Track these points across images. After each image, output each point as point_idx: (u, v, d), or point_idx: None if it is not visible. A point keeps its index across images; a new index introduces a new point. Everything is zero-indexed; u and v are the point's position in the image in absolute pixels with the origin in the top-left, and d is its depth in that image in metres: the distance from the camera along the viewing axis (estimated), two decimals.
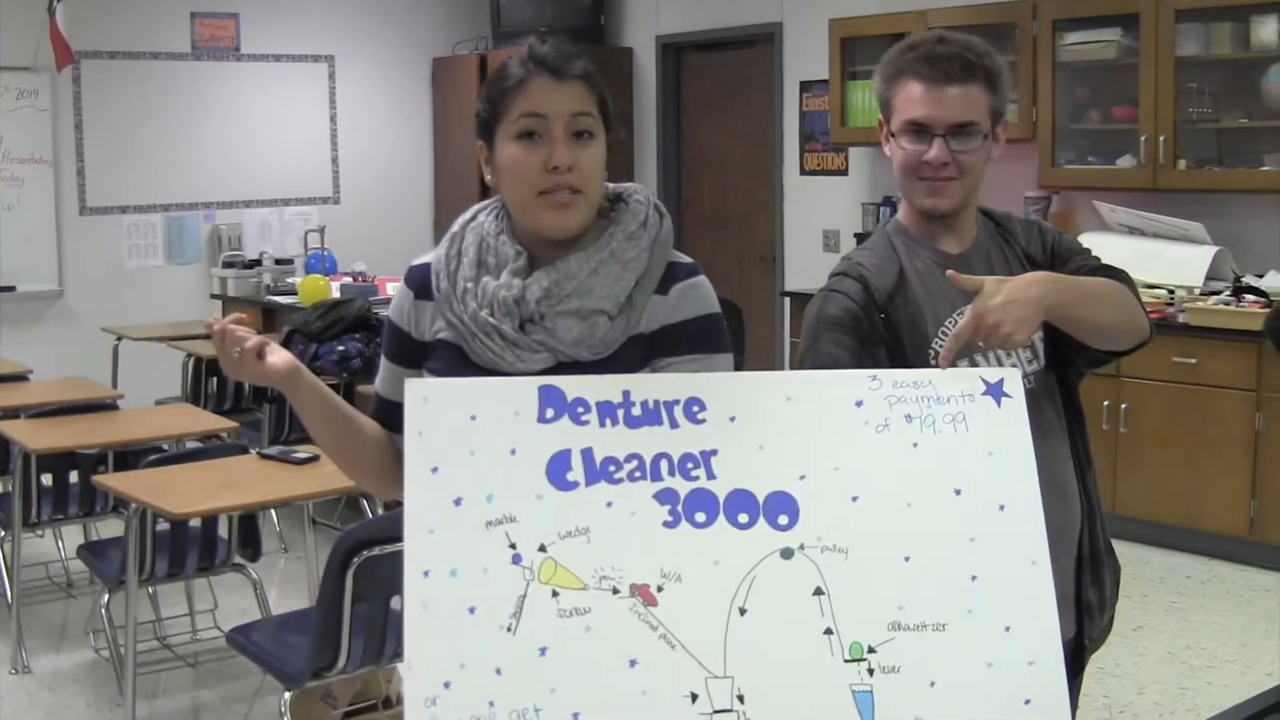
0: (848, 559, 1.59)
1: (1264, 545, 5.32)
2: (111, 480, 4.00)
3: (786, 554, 1.58)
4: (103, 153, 7.82)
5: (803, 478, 1.62)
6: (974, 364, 1.97)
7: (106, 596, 4.16)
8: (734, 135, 8.14)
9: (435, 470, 1.58)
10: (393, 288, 1.61)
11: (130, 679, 3.88)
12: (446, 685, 1.50)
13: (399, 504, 1.63)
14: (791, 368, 3.16)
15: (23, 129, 7.54)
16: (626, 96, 8.41)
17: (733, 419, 1.63)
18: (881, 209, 7.06)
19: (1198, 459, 5.46)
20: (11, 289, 7.53)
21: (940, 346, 2.01)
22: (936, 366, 1.86)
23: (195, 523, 3.93)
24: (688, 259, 1.85)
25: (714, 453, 1.61)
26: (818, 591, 1.57)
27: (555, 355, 1.76)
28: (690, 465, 1.60)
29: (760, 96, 7.91)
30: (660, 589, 1.55)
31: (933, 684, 1.56)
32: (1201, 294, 5.60)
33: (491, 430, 1.60)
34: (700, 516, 1.59)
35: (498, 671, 1.51)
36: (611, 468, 1.59)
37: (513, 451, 1.60)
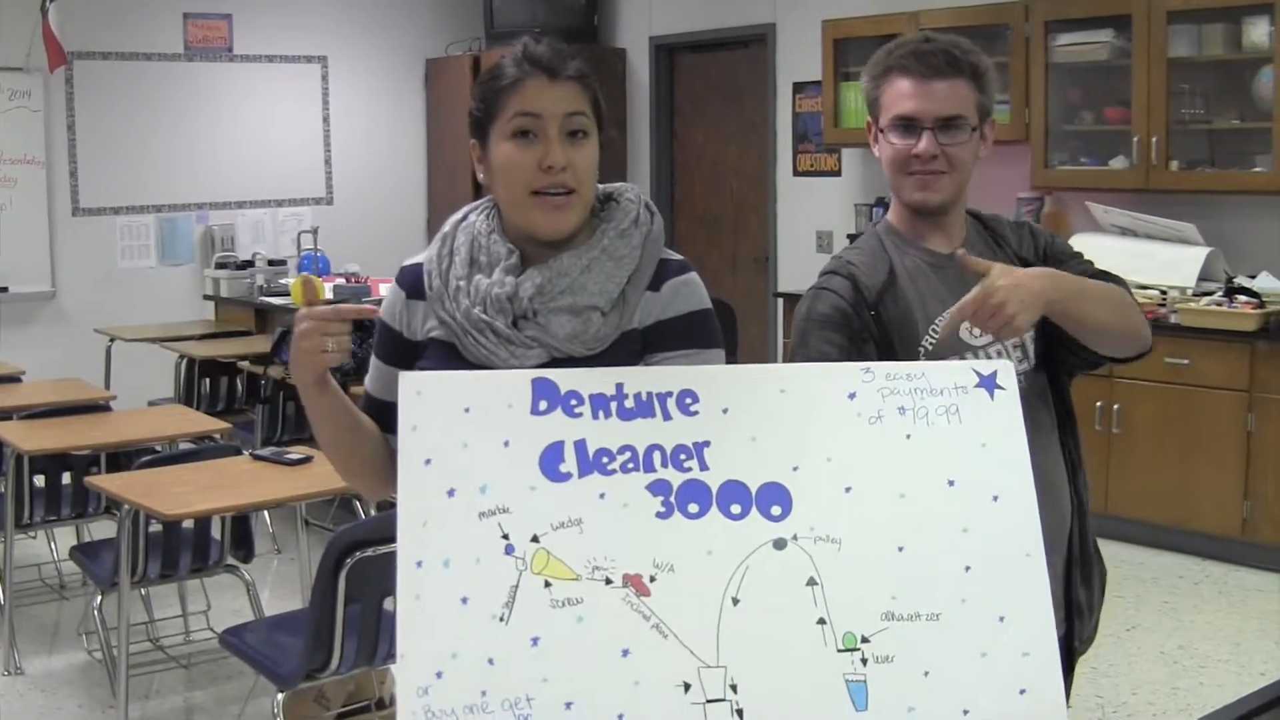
0: (841, 549, 1.59)
1: (1256, 545, 5.33)
2: (104, 481, 3.99)
3: (779, 544, 1.58)
4: (95, 153, 7.81)
5: (796, 469, 1.62)
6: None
7: (99, 598, 4.15)
8: (727, 136, 8.15)
9: (429, 462, 1.58)
10: (386, 288, 1.63)
11: (123, 680, 3.87)
12: (439, 675, 1.50)
13: (392, 505, 1.63)
14: None
15: (15, 130, 7.53)
16: (620, 97, 8.42)
17: (725, 411, 1.64)
18: (874, 210, 7.07)
19: (1190, 459, 5.47)
20: (4, 290, 7.52)
21: (930, 345, 2.02)
22: (929, 359, 1.87)
23: (188, 524, 3.93)
24: (679, 256, 1.86)
25: (707, 444, 1.62)
26: (811, 582, 1.57)
27: (549, 351, 1.76)
28: (683, 456, 1.61)
29: (753, 97, 7.91)
30: (653, 579, 1.55)
31: (926, 674, 1.56)
32: (1194, 295, 5.61)
33: (485, 422, 1.60)
34: (693, 507, 1.59)
35: (490, 661, 1.51)
36: (604, 459, 1.60)
37: (506, 443, 1.60)
